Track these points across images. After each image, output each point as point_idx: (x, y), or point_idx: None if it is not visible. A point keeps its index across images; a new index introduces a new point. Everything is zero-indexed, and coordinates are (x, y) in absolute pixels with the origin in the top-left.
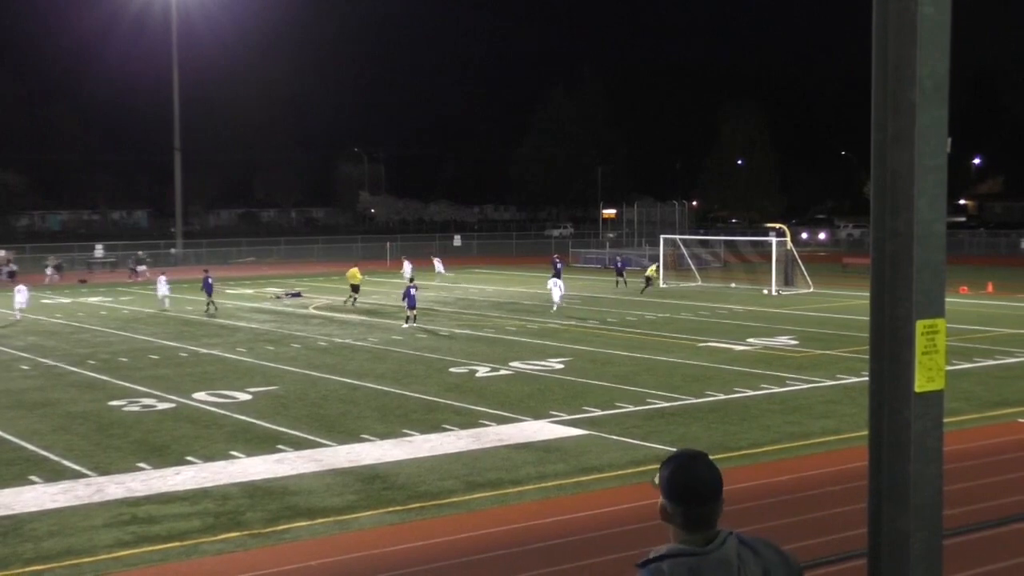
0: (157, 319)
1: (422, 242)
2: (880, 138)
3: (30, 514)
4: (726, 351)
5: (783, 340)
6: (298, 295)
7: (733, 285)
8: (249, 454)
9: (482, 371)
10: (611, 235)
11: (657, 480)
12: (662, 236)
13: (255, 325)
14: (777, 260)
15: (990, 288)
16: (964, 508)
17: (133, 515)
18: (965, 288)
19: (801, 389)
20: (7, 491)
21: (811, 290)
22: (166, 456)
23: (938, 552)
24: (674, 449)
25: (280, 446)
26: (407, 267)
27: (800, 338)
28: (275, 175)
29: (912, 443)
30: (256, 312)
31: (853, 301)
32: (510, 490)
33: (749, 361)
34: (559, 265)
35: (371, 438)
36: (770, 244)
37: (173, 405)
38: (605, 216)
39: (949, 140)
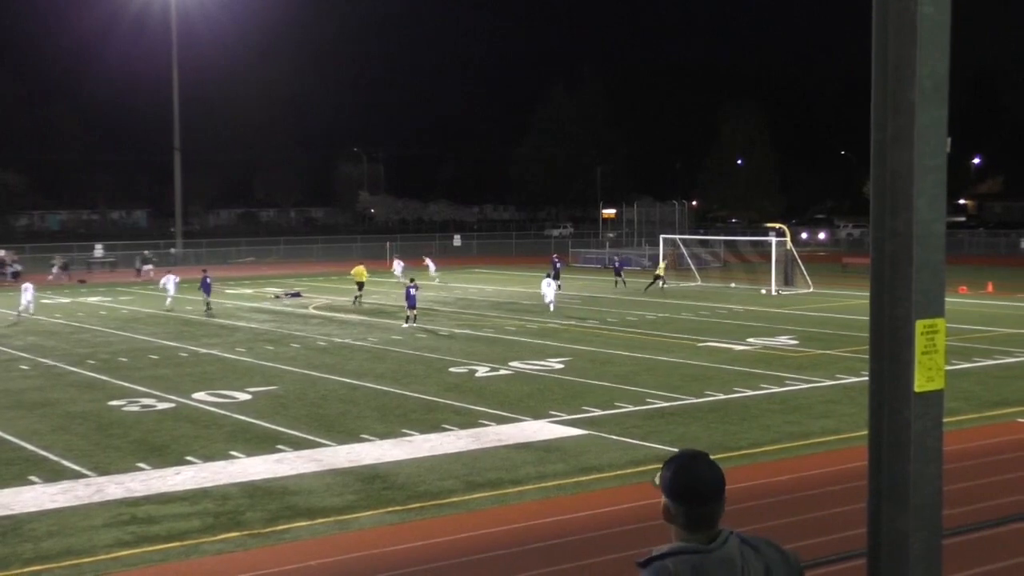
0: (157, 319)
1: (422, 242)
2: (880, 138)
3: (29, 514)
4: (726, 351)
5: (783, 340)
6: (297, 295)
7: (733, 285)
8: (249, 454)
9: (482, 371)
10: (611, 235)
11: (658, 480)
12: (662, 236)
13: (254, 325)
14: (777, 260)
15: (990, 288)
16: (964, 508)
17: (133, 515)
18: (965, 288)
19: (801, 389)
20: (7, 491)
21: (811, 290)
22: (166, 456)
23: (937, 552)
24: (674, 449)
25: (280, 446)
26: (398, 266)
27: (800, 338)
28: (275, 175)
29: (912, 443)
30: (255, 312)
31: (853, 301)
32: (510, 490)
33: (749, 361)
34: (558, 265)
35: (371, 438)
36: (770, 244)
37: (173, 405)
38: (605, 216)
39: (949, 140)
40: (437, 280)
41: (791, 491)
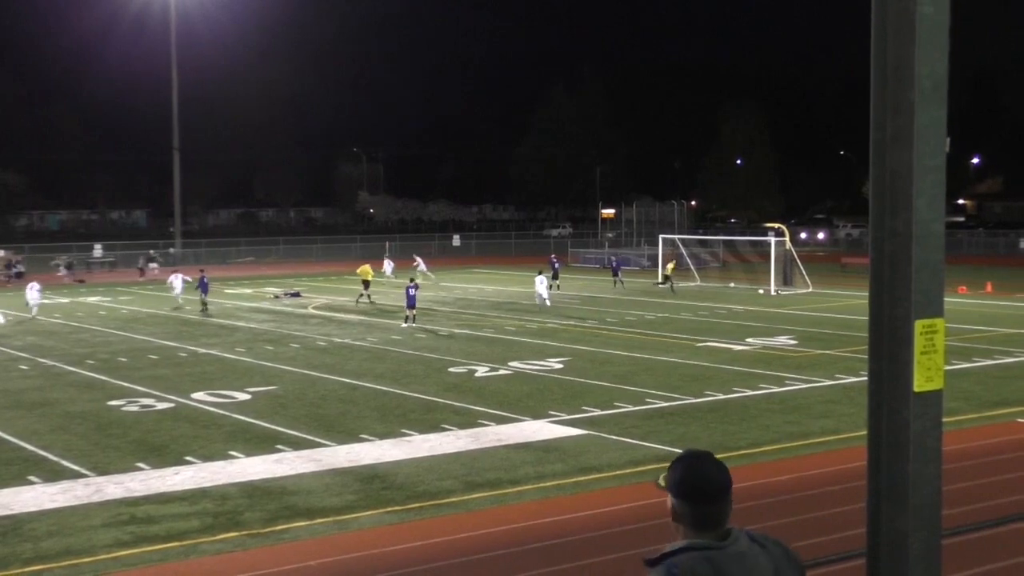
0: (156, 319)
1: (421, 242)
2: (879, 138)
3: (29, 514)
4: (725, 351)
5: (782, 340)
6: (297, 295)
7: (732, 285)
8: (248, 454)
9: (481, 371)
10: (610, 235)
11: (663, 481)
12: (661, 236)
13: (254, 325)
14: (776, 260)
15: (989, 288)
16: (963, 508)
17: (132, 515)
18: (964, 288)
19: (800, 389)
20: (6, 491)
21: (810, 290)
22: (165, 456)
23: (937, 552)
24: (673, 449)
25: (279, 446)
26: (388, 266)
27: (799, 338)
28: (275, 175)
29: (911, 443)
30: (255, 312)
31: (852, 301)
32: (509, 490)
33: (748, 361)
34: (557, 265)
35: (370, 438)
36: (769, 244)
37: (172, 405)
38: (604, 216)
39: (948, 140)
40: (433, 279)
41: (790, 491)
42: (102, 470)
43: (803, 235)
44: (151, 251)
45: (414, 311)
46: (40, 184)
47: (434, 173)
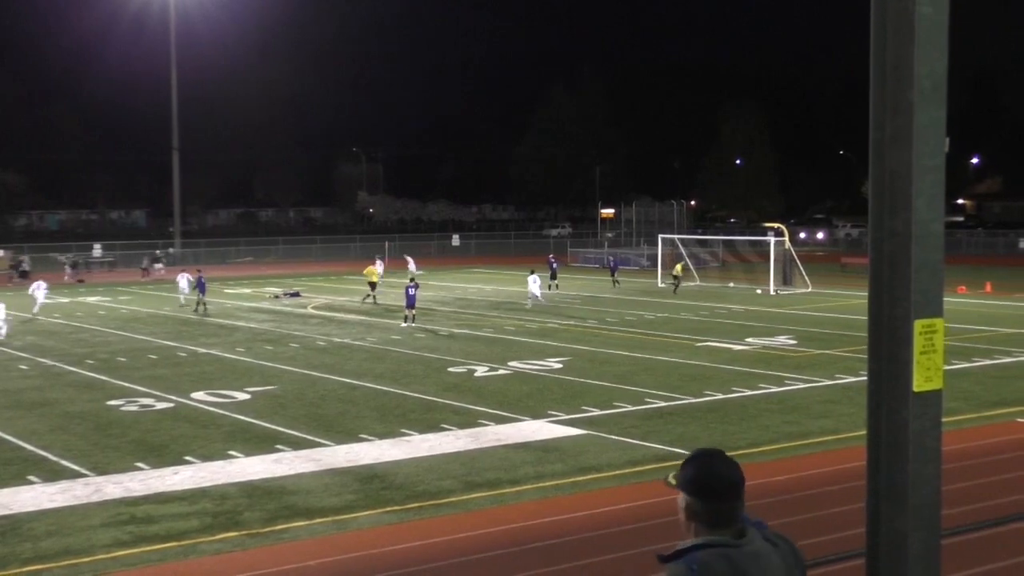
0: (156, 319)
1: (420, 242)
2: (878, 138)
3: (28, 514)
4: (724, 351)
5: (781, 340)
6: (296, 295)
7: (731, 285)
8: (247, 454)
9: (481, 371)
10: (609, 235)
11: (673, 479)
12: (660, 236)
13: (253, 325)
14: (775, 260)
15: (988, 288)
16: (962, 508)
17: (131, 515)
18: (963, 288)
19: (799, 389)
20: (5, 491)
21: (809, 290)
22: (164, 456)
23: (936, 552)
24: (673, 449)
25: (278, 446)
26: (379, 267)
27: (798, 338)
28: (274, 175)
29: (910, 443)
30: (254, 312)
31: (851, 301)
32: (508, 490)
33: (747, 361)
34: (554, 265)
35: (369, 438)
36: (768, 244)
37: (171, 405)
38: (603, 216)
39: (947, 140)
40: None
41: (790, 491)
42: (101, 470)
43: (802, 235)
44: (157, 251)
45: (414, 311)
46: (40, 184)
47: (434, 173)
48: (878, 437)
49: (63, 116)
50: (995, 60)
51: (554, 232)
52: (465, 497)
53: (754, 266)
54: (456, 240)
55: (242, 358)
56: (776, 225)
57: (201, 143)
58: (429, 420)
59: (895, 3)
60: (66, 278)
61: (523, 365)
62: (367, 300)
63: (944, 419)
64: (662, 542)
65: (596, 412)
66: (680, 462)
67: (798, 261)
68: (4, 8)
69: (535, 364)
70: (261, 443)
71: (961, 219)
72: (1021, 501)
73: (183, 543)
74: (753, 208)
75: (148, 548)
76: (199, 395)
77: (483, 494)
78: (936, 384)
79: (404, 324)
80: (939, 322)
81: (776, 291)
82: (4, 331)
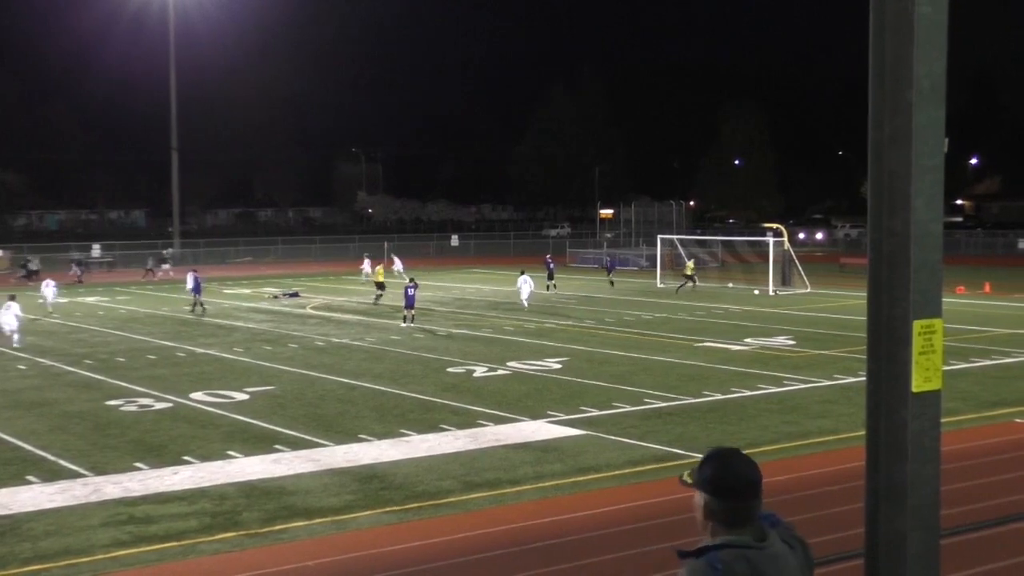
0: (154, 319)
1: (419, 242)
2: (877, 137)
3: (27, 514)
4: (723, 351)
5: (780, 340)
6: (295, 295)
7: (730, 285)
8: (246, 454)
9: (480, 371)
10: (608, 235)
11: (688, 477)
12: (659, 236)
13: (252, 325)
14: (774, 260)
15: (987, 288)
16: (961, 508)
17: (130, 515)
18: (962, 288)
19: (798, 389)
20: (4, 491)
21: (808, 290)
22: (163, 456)
23: (935, 552)
24: (672, 449)
25: (277, 446)
26: (367, 265)
27: (797, 338)
28: (274, 175)
29: (909, 443)
30: (253, 312)
31: (850, 301)
32: (507, 490)
33: (746, 361)
34: (551, 266)
35: (368, 438)
36: (767, 244)
37: (170, 405)
38: (602, 216)
39: (946, 140)
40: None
41: (789, 491)
42: (100, 470)
43: (801, 235)
44: (164, 252)
45: (413, 311)
46: (39, 184)
47: (433, 173)
48: (877, 437)
49: (62, 116)
50: (994, 60)
51: (553, 232)
52: (464, 497)
53: (753, 266)
54: (455, 240)
55: (241, 358)
56: (775, 225)
57: (201, 143)
58: (428, 420)
59: (894, 3)
60: (78, 276)
61: (522, 365)
62: (378, 300)
63: (943, 419)
64: (662, 542)
65: (595, 412)
66: (679, 462)
67: (797, 261)
68: (4, 8)
69: (534, 364)
70: (260, 443)
71: (960, 219)
72: (1020, 501)
73: (182, 543)
74: (752, 208)
75: (147, 548)
76: (198, 395)
77: (482, 494)
78: (935, 384)
79: (403, 324)
80: (938, 322)
81: (775, 291)
82: (17, 338)
